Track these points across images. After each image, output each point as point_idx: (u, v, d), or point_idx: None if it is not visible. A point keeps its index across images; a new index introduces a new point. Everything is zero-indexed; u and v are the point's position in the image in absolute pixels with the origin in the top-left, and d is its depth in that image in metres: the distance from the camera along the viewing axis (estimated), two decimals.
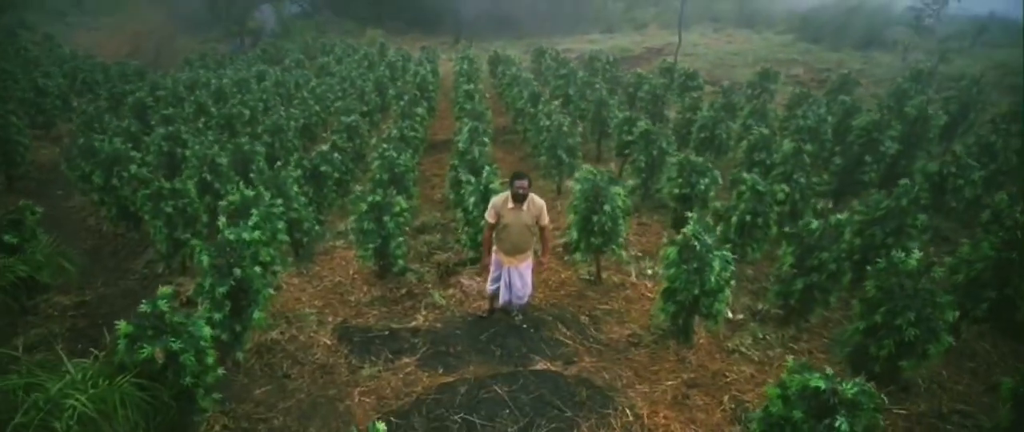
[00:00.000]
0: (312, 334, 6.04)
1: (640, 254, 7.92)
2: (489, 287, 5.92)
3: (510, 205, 5.37)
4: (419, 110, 12.03)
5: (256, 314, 5.27)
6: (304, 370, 5.46)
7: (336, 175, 8.96)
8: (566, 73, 14.86)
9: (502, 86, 15.05)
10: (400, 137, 10.11)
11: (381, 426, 2.89)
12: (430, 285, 7.00)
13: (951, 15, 22.25)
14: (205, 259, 5.01)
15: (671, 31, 27.75)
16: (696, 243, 5.01)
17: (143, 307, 3.80)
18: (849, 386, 3.26)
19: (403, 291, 6.96)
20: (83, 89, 16.93)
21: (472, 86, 13.13)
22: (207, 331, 3.89)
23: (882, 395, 3.36)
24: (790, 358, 4.01)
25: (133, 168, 7.86)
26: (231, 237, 5.14)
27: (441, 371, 5.29)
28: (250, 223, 5.45)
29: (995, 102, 12.54)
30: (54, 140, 13.57)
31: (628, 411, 4.76)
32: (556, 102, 12.00)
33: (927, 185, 7.07)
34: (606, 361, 5.48)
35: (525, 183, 5.29)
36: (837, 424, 3.16)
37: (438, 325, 6.08)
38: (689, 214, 5.49)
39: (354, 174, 10.27)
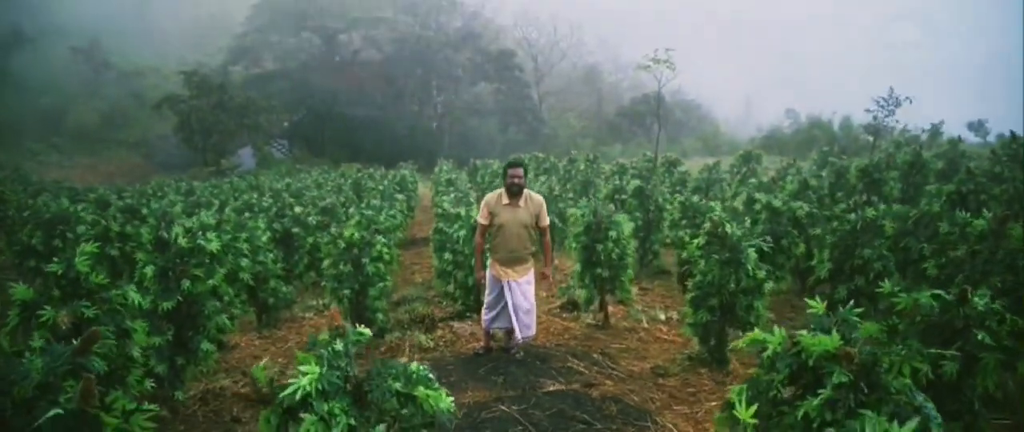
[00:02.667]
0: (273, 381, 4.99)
1: (647, 307, 7.14)
2: (485, 316, 5.03)
3: (505, 201, 4.70)
4: (400, 196, 11.57)
5: (205, 345, 4.34)
6: (259, 413, 4.38)
7: (309, 241, 8.21)
8: (548, 166, 14.80)
9: (483, 184, 14.85)
10: (379, 211, 9.49)
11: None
12: (414, 338, 6.05)
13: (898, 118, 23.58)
14: (148, 271, 4.16)
15: (639, 158, 28.73)
16: (726, 228, 4.35)
17: (53, 266, 2.94)
18: (978, 296, 2.52)
19: (382, 348, 5.98)
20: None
21: (454, 175, 12.85)
22: (137, 298, 3.00)
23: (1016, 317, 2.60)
24: None
25: (82, 228, 7.03)
26: (185, 244, 4.33)
27: None
28: (209, 236, 4.65)
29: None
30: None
31: (673, 428, 3.79)
32: (541, 177, 11.69)
33: (947, 205, 6.65)
34: (633, 385, 4.54)
35: (520, 172, 4.66)
36: (979, 337, 2.38)
37: (426, 363, 5.09)
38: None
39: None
